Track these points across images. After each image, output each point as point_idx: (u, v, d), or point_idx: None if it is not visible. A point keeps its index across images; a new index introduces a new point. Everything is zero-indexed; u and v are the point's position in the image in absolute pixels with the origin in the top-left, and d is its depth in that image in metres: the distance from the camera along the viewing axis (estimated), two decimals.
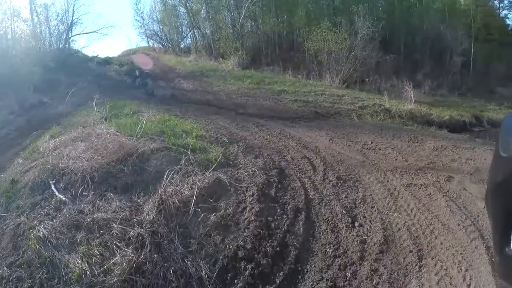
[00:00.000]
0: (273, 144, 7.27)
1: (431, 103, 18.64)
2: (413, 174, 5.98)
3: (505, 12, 37.92)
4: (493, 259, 3.70)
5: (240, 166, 5.58)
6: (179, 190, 4.24)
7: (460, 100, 22.15)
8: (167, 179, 4.31)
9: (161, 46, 33.25)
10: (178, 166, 4.72)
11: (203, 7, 28.43)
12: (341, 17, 22.98)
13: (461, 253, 3.83)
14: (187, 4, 29.28)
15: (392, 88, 19.31)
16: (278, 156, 6.41)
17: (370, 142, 7.83)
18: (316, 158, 6.47)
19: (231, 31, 25.33)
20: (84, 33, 24.71)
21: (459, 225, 4.38)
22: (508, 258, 0.63)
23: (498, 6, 37.38)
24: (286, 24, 26.82)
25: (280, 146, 7.18)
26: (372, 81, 20.74)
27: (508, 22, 39.10)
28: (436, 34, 28.71)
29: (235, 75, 17.58)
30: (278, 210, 4.37)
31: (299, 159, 6.35)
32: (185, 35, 32.16)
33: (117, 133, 6.16)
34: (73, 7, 23.27)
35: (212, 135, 7.32)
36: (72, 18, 23.37)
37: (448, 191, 5.40)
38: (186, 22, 31.13)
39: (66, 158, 5.11)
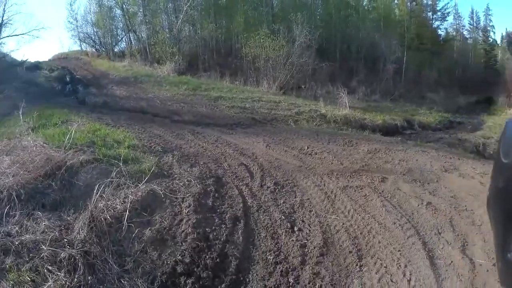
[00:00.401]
0: (210, 152, 7.21)
1: (365, 108, 19.56)
2: (349, 177, 6.16)
3: (437, 23, 41.10)
4: (430, 254, 3.97)
5: (175, 176, 5.46)
6: (111, 205, 4.02)
7: (392, 105, 23.46)
8: (97, 193, 4.05)
9: (94, 50, 31.97)
10: (109, 179, 4.45)
11: (140, 10, 27.84)
12: (279, 25, 23.42)
13: (399, 250, 3.98)
14: (124, 6, 28.50)
15: (328, 95, 20.00)
16: (214, 164, 6.36)
17: (306, 147, 7.99)
18: (254, 164, 6.50)
19: (168, 35, 24.98)
20: (14, 35, 23.26)
21: (395, 223, 4.56)
22: (510, 264, 0.63)
23: (431, 17, 40.27)
24: (225, 30, 26.90)
25: (216, 153, 7.13)
26: (308, 88, 21.31)
27: (440, 32, 42.53)
28: (371, 42, 30.45)
29: (171, 81, 17.28)
30: (216, 220, 4.28)
31: (236, 167, 6.34)
32: (119, 38, 31.28)
33: (45, 144, 5.75)
34: (4, 6, 21.77)
35: (146, 144, 7.14)
36: (2, 18, 21.85)
37: (383, 191, 5.62)
38: (121, 25, 30.44)
39: None
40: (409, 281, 3.52)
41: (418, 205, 5.21)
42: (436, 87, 32.58)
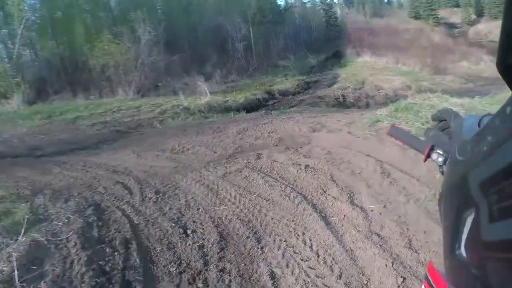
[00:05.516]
0: (81, 180, 6.47)
1: (225, 90, 20.10)
2: (226, 163, 6.22)
3: None
4: (323, 215, 4.21)
5: (53, 217, 4.79)
6: None
7: (250, 81, 24.42)
8: None
9: None
10: None
11: None
12: (121, 27, 22.70)
13: (292, 220, 4.14)
14: None
15: (186, 86, 20.25)
16: (89, 192, 5.73)
17: (177, 146, 7.88)
18: (129, 179, 6.08)
19: (8, 65, 22.16)
20: None
21: (281, 195, 4.74)
22: (457, 261, 0.69)
23: None
24: (67, 45, 24.95)
25: (88, 179, 6.46)
26: (165, 84, 21.25)
27: (279, 2, 45.65)
28: (216, 25, 31.17)
29: (24, 114, 15.43)
30: (108, 250, 3.88)
31: (112, 187, 5.85)
32: None
33: None
34: None
35: (13, 192, 6.09)
36: None
37: (261, 168, 5.81)
38: None
39: None
40: (311, 247, 3.65)
41: (298, 171, 5.46)
42: (286, 54, 34.84)
